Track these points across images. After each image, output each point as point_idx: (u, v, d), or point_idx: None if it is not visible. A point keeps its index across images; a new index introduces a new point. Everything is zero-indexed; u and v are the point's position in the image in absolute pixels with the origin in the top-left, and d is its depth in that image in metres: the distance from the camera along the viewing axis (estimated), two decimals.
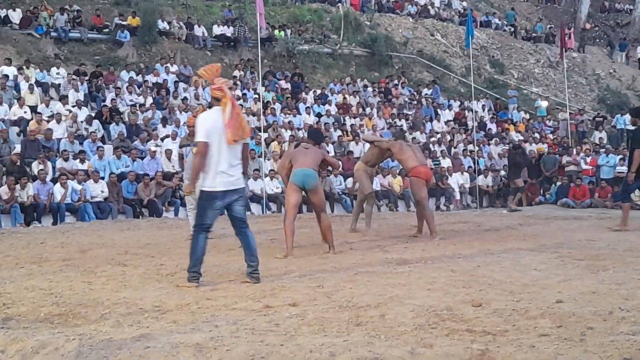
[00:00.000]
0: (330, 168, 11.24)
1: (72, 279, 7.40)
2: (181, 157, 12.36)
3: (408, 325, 5.06)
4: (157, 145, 18.88)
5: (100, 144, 18.53)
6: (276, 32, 29.25)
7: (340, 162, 14.41)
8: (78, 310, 5.83)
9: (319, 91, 26.32)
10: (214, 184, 6.86)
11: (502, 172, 22.98)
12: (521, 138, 26.33)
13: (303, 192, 9.47)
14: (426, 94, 28.74)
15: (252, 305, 5.91)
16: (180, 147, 12.58)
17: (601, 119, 28.98)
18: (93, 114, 20.01)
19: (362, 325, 5.10)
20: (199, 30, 27.78)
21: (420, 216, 11.85)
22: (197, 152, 6.93)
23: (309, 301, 6.00)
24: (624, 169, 21.79)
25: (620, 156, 22.64)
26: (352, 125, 23.85)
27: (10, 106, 19.43)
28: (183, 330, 4.95)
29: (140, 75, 23.59)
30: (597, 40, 41.46)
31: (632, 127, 28.34)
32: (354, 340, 4.59)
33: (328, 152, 17.89)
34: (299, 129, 22.28)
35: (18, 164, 16.15)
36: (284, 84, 26.07)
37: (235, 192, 6.95)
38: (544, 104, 30.46)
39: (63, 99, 20.29)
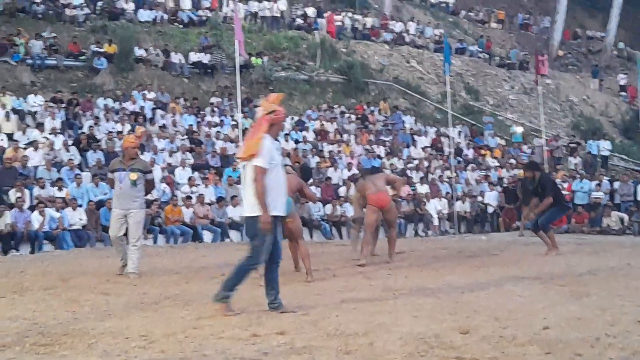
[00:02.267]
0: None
1: (56, 308, 7.33)
2: (111, 182, 10.61)
3: (397, 353, 5.06)
4: None
5: (78, 171, 18.43)
6: (253, 59, 29.33)
7: (318, 196, 14.47)
8: (64, 340, 5.76)
9: (296, 118, 26.40)
10: None
11: (480, 198, 23.13)
12: (497, 164, 26.52)
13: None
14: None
15: (240, 333, 5.87)
16: (112, 171, 10.56)
17: (575, 144, 29.29)
18: (70, 142, 19.90)
19: (351, 354, 5.10)
20: (176, 57, 27.79)
21: (390, 240, 12.21)
22: None
23: (295, 329, 5.97)
24: (600, 194, 22.12)
25: (596, 182, 22.85)
26: (330, 151, 23.91)
27: None
28: None
29: (117, 103, 23.52)
30: (570, 67, 41.96)
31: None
32: None
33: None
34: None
35: None
36: None
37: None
38: (519, 130, 30.73)
39: (40, 126, 20.22)
